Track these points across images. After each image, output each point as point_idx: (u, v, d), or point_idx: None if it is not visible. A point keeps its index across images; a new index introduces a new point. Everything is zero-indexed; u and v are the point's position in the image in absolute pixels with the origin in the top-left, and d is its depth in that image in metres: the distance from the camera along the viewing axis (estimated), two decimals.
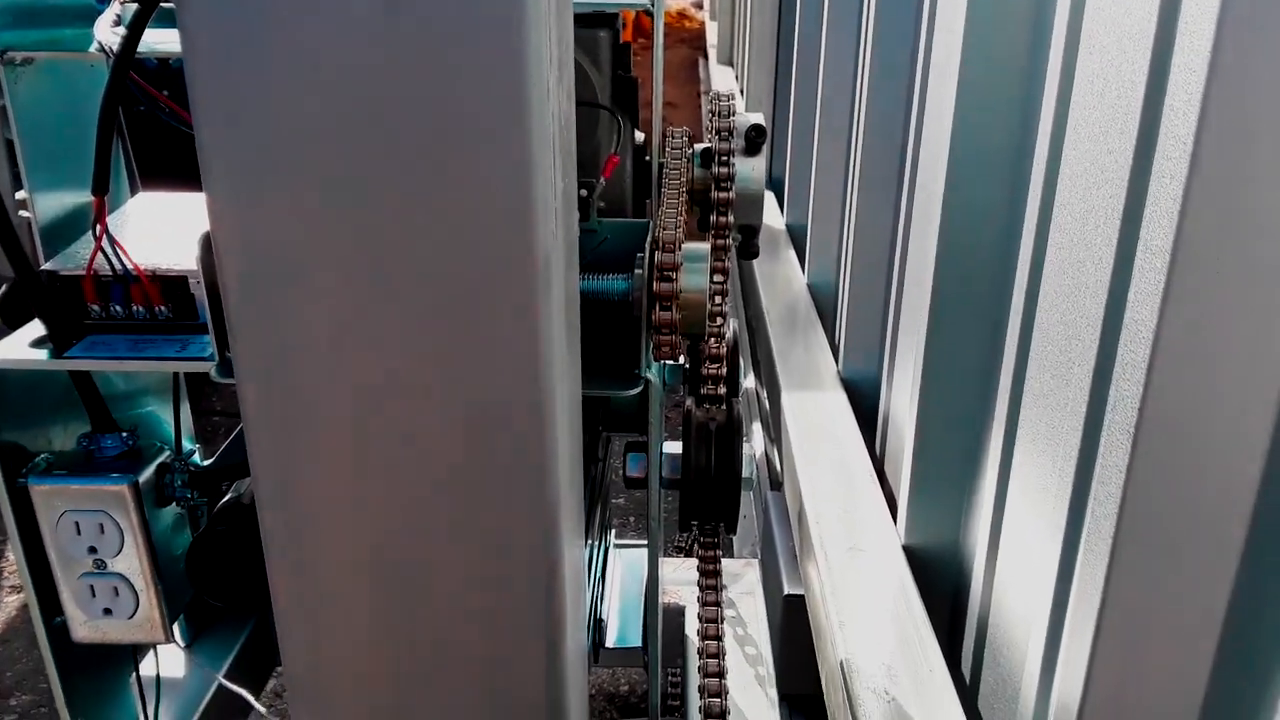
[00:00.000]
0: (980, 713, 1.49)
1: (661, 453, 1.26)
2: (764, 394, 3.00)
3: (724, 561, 1.98)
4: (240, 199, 0.76)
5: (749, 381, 3.80)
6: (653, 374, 1.17)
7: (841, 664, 1.47)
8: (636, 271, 1.10)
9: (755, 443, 3.37)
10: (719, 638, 1.22)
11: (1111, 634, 0.98)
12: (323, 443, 0.85)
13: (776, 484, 2.73)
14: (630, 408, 1.38)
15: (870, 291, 2.31)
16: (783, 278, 3.00)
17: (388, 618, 0.89)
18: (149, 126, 1.56)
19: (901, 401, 2.02)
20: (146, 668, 1.52)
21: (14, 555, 1.30)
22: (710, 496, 1.27)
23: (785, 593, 2.13)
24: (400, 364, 0.81)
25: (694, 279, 1.09)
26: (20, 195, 1.32)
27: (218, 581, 1.33)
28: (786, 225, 3.37)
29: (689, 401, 1.30)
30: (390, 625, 0.89)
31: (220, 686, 1.63)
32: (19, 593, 2.71)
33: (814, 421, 2.18)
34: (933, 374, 1.72)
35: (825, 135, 2.74)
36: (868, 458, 2.04)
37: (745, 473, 1.29)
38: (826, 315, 2.69)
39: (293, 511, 0.87)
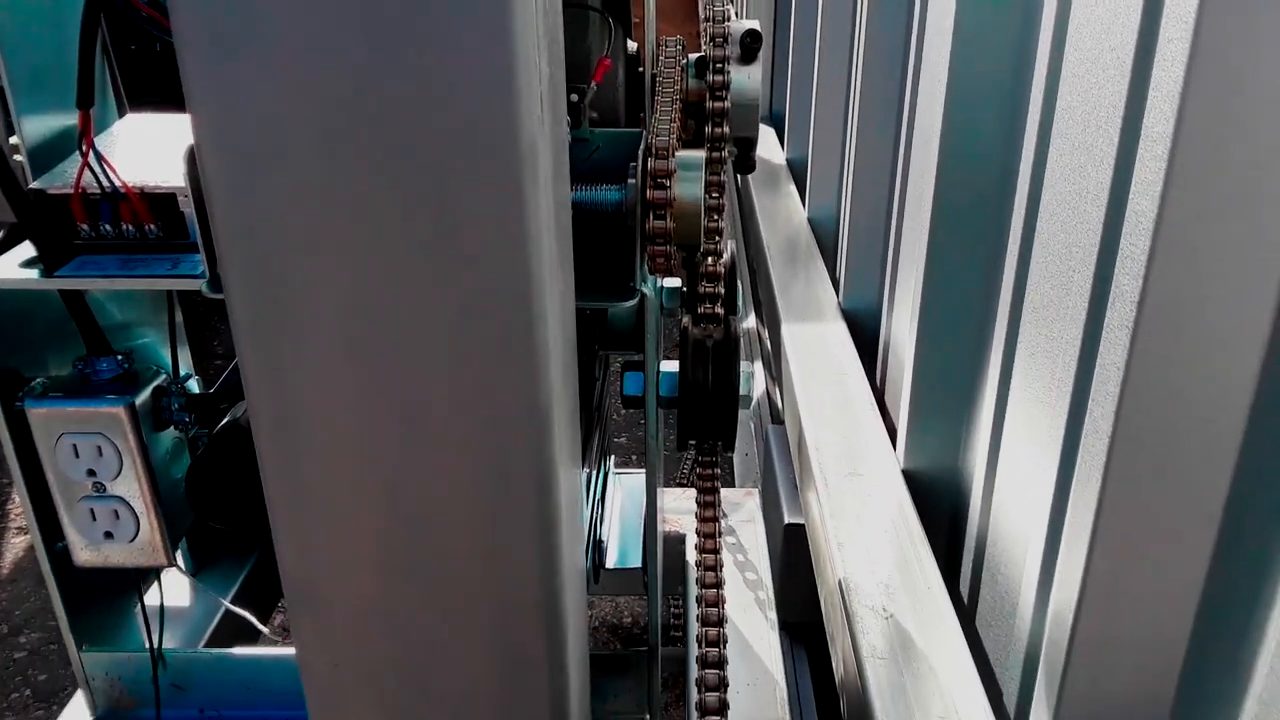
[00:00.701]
0: (978, 630, 1.50)
1: (659, 369, 1.25)
2: (765, 330, 3.00)
3: (724, 491, 1.98)
4: (222, 106, 0.74)
5: (749, 322, 3.79)
6: (648, 287, 1.16)
7: (840, 583, 1.48)
8: (630, 181, 1.09)
9: (756, 378, 3.36)
10: (716, 541, 1.23)
11: (1108, 539, 0.98)
12: (312, 353, 0.84)
13: (777, 418, 2.73)
14: (627, 326, 1.37)
15: (871, 222, 2.29)
16: (783, 212, 2.97)
17: (382, 529, 0.88)
18: (136, 50, 1.53)
19: (901, 330, 2.02)
20: (152, 596, 1.53)
21: (14, 482, 1.31)
22: (708, 413, 1.26)
23: (786, 522, 2.14)
24: (387, 269, 0.80)
25: (688, 187, 1.08)
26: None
27: (218, 504, 1.33)
28: (787, 160, 3.33)
29: (686, 319, 1.29)
30: (385, 536, 0.89)
31: (227, 613, 1.65)
32: (25, 533, 2.74)
33: (815, 352, 2.17)
34: (932, 300, 1.71)
35: (825, 67, 2.70)
36: (868, 386, 2.03)
37: (743, 391, 1.28)
38: (827, 248, 2.67)
39: (284, 423, 0.87)
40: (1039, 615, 1.27)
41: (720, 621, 1.13)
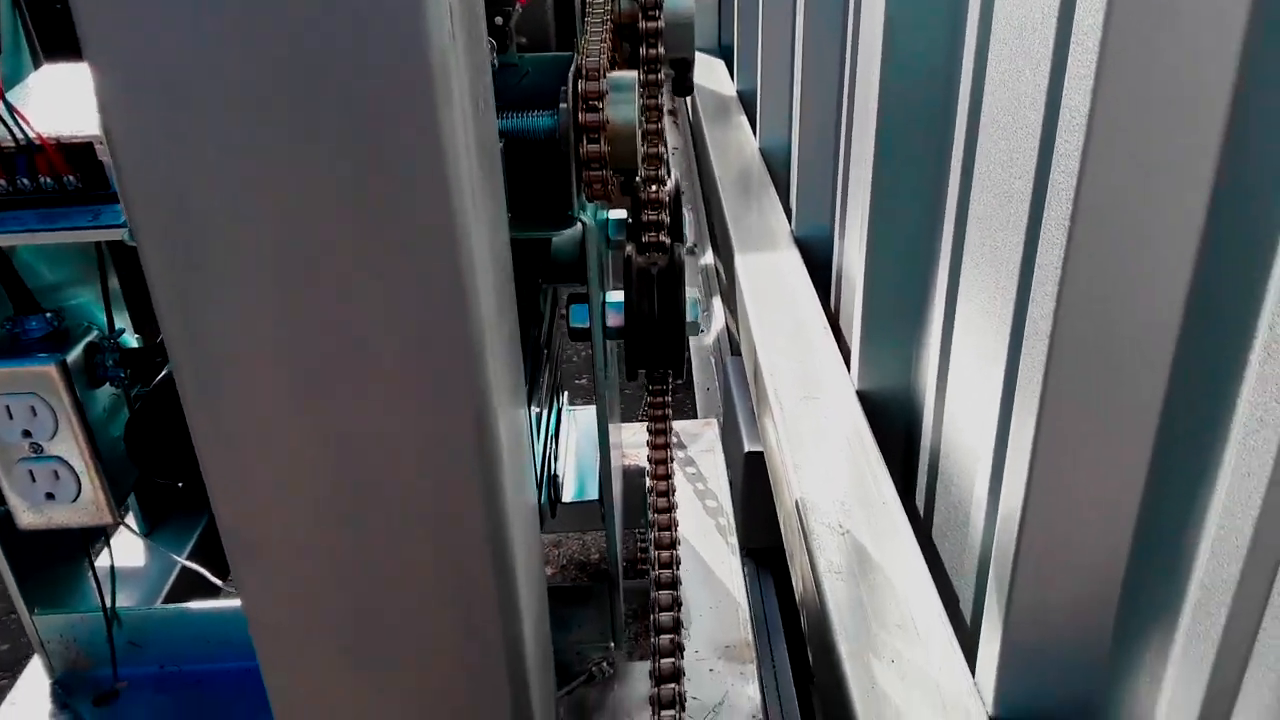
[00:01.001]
0: (934, 542, 1.52)
1: (604, 299, 1.23)
2: (719, 261, 2.98)
3: (683, 422, 1.98)
4: (116, 42, 0.71)
5: (706, 258, 3.78)
6: (587, 216, 1.14)
7: (797, 503, 1.49)
8: (562, 105, 1.06)
9: (716, 312, 3.36)
10: (667, 465, 1.22)
11: (1050, 442, 0.99)
12: (231, 296, 0.80)
13: (735, 350, 2.73)
14: (571, 258, 1.35)
15: (820, 150, 2.27)
16: (735, 144, 2.94)
17: (317, 473, 0.86)
18: (50, 1, 1.47)
19: (852, 255, 2.01)
20: (104, 558, 1.51)
21: None
22: (655, 342, 1.25)
23: (745, 450, 2.15)
24: (304, 205, 0.77)
25: (621, 109, 1.05)
26: None
27: (158, 458, 1.31)
28: (737, 92, 3.29)
29: (629, 248, 1.27)
30: (320, 481, 0.86)
31: (183, 571, 1.63)
32: None
33: (768, 280, 2.16)
34: (880, 223, 1.70)
35: None
36: (821, 312, 2.03)
37: (691, 318, 1.27)
38: (779, 178, 2.65)
39: (207, 370, 0.83)
40: (989, 524, 1.29)
41: (673, 544, 1.13)
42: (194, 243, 0.78)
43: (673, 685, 1.00)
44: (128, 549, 1.65)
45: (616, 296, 1.28)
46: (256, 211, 0.76)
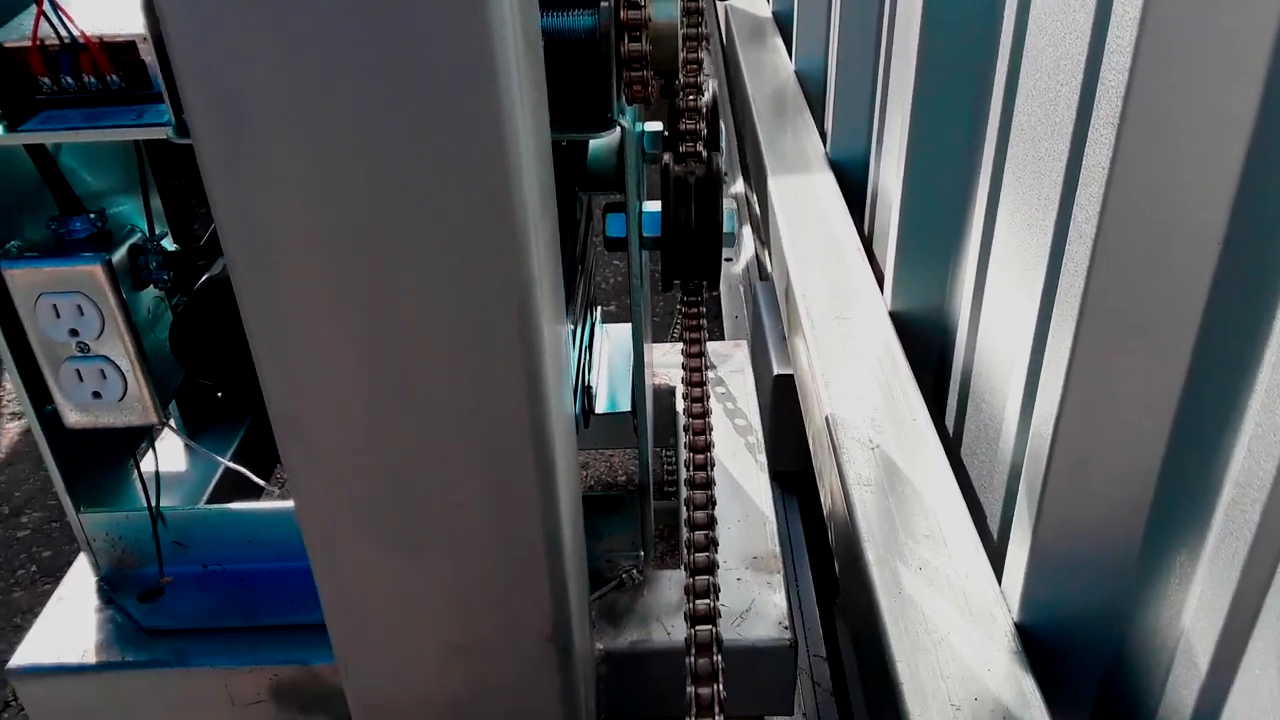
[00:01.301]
0: (963, 461, 1.53)
1: (641, 205, 1.23)
2: (752, 189, 2.96)
3: (713, 344, 1.99)
4: None
5: (736, 187, 3.74)
6: (626, 120, 1.13)
7: (827, 419, 1.50)
8: (603, 4, 1.05)
9: (745, 239, 3.34)
10: (702, 372, 1.23)
11: (1087, 350, 0.99)
12: (283, 189, 0.82)
13: (764, 276, 2.73)
14: (608, 168, 1.35)
15: (858, 72, 2.23)
16: (769, 66, 2.89)
17: (364, 366, 0.88)
18: None
19: (889, 177, 1.99)
20: (149, 460, 1.54)
21: None
22: (692, 251, 1.25)
23: (775, 373, 2.16)
24: (351, 88, 0.77)
25: (664, 6, 1.04)
26: None
27: (203, 358, 1.33)
28: (773, 13, 3.23)
29: (667, 157, 1.26)
30: (368, 374, 0.88)
31: (225, 475, 1.67)
32: (20, 417, 2.75)
33: (802, 202, 2.15)
34: (920, 143, 1.68)
35: None
36: (855, 234, 2.02)
37: (727, 229, 1.27)
38: (814, 100, 2.61)
39: (261, 259, 0.85)
40: (1020, 438, 1.29)
41: (708, 444, 1.15)
42: (247, 138, 0.80)
43: (706, 553, 1.02)
44: (172, 452, 1.69)
45: (652, 207, 1.28)
46: (309, 109, 0.78)
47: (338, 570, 0.98)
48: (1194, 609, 0.90)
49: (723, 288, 3.49)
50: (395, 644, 1.03)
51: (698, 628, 0.98)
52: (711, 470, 1.13)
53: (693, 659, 0.95)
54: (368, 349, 0.88)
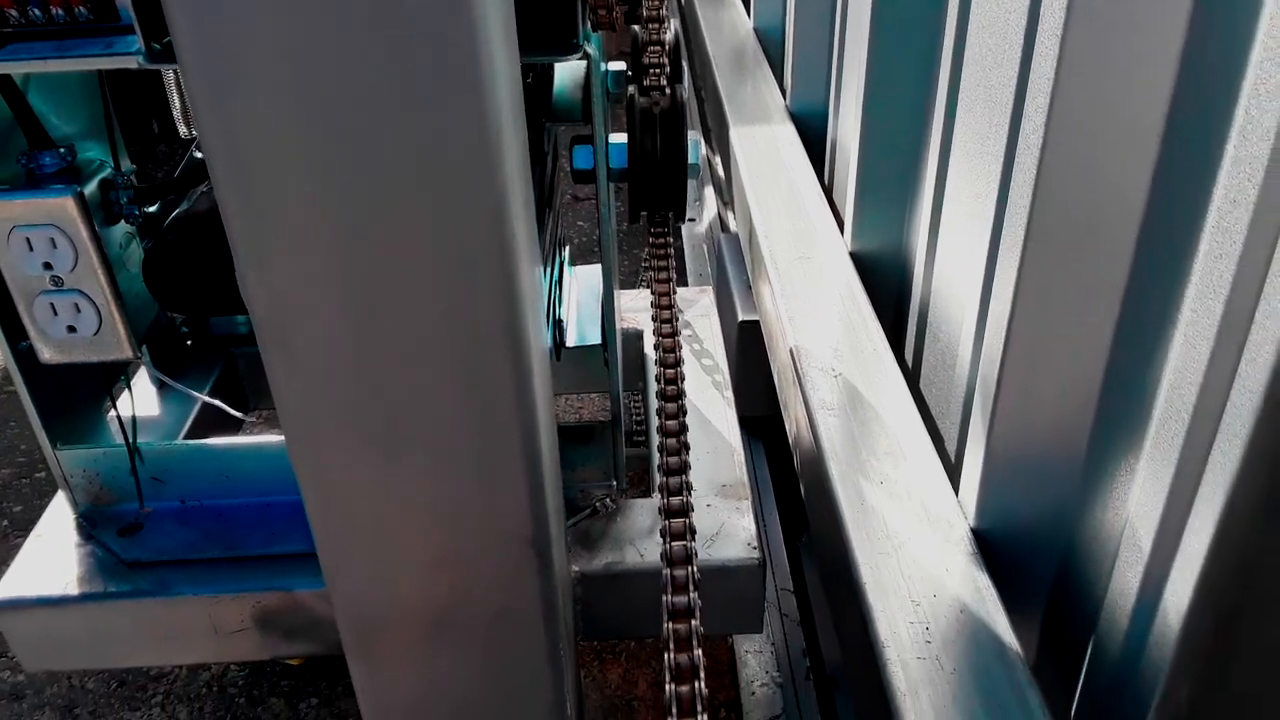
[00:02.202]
0: (922, 392, 1.59)
1: (607, 134, 1.26)
2: (714, 150, 2.99)
3: (679, 290, 2.03)
4: None
5: (702, 150, 3.77)
6: (592, 47, 1.16)
7: (791, 351, 1.55)
8: None
9: (706, 204, 3.38)
10: (670, 296, 1.28)
11: (1034, 268, 1.04)
12: (263, 95, 0.84)
13: (726, 228, 2.77)
14: (573, 101, 1.38)
15: (815, 26, 2.27)
16: (728, 24, 2.93)
17: (346, 276, 0.90)
18: None
19: (848, 127, 2.03)
20: (124, 403, 1.55)
21: None
22: (659, 182, 1.28)
23: (739, 319, 2.21)
24: (338, 22, 0.80)
25: None
26: None
27: (177, 289, 1.35)
28: None
29: (632, 89, 1.30)
30: (349, 285, 0.90)
31: (198, 417, 1.68)
32: None
33: (763, 150, 2.19)
34: (876, 92, 1.73)
35: None
36: (816, 182, 2.07)
37: (692, 160, 1.31)
38: (773, 55, 2.65)
39: (243, 173, 0.87)
40: (974, 363, 1.35)
41: (678, 361, 1.19)
42: (230, 54, 0.82)
43: (680, 477, 1.06)
44: (146, 395, 1.71)
45: (618, 139, 1.31)
46: (290, 31, 0.80)
47: (322, 477, 1.01)
48: (1137, 497, 0.96)
49: (686, 247, 3.53)
50: (380, 553, 1.06)
51: (670, 498, 1.02)
52: (683, 383, 1.18)
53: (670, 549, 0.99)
54: (349, 261, 0.90)
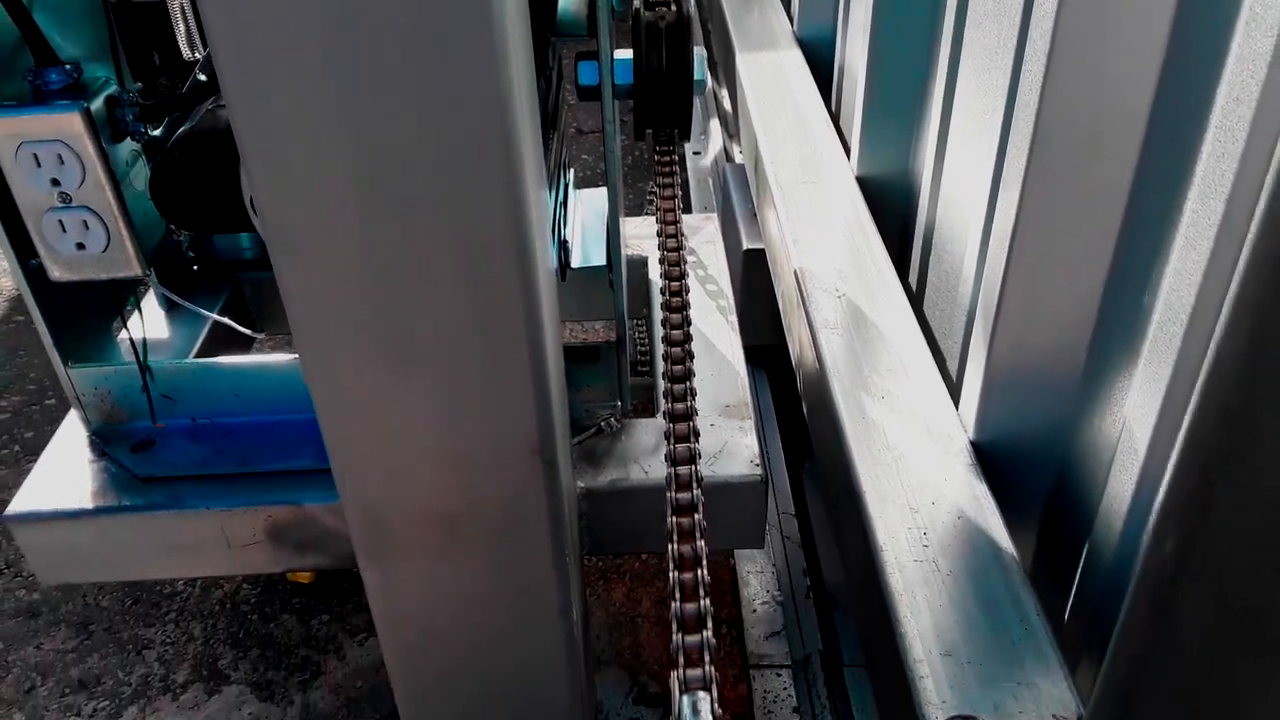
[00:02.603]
0: (925, 314, 1.60)
1: (612, 49, 1.26)
2: (720, 82, 2.96)
3: (684, 216, 2.03)
4: None
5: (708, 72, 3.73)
6: None
7: (796, 272, 1.55)
8: None
9: (712, 136, 3.36)
10: (676, 212, 1.28)
11: (1038, 180, 1.04)
12: (282, 26, 0.84)
13: (732, 160, 2.76)
14: (579, 17, 1.37)
15: None
16: None
17: (349, 162, 0.90)
18: None
19: (855, 51, 2.02)
20: (134, 323, 1.57)
21: None
22: (664, 98, 1.28)
23: (745, 248, 2.21)
24: None
25: None
26: None
27: (183, 205, 1.35)
28: None
29: (637, 3, 1.29)
30: (354, 171, 0.90)
31: (209, 336, 1.70)
32: None
33: (770, 77, 2.17)
34: (885, 16, 1.71)
35: None
36: (823, 108, 2.06)
37: (698, 76, 1.30)
38: None
39: (252, 73, 0.87)
40: (977, 284, 1.36)
41: (683, 273, 1.20)
42: None
43: (684, 384, 1.08)
44: (154, 318, 1.72)
45: (624, 54, 1.30)
46: None
47: (333, 386, 1.03)
48: (1134, 400, 0.98)
49: (692, 180, 3.51)
50: (391, 461, 1.08)
51: (675, 404, 1.04)
52: (687, 294, 1.19)
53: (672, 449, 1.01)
54: (357, 172, 0.91)
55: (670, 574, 0.88)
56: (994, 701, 0.92)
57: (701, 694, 0.66)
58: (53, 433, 1.56)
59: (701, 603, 0.83)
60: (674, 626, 0.80)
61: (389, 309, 0.98)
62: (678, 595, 0.84)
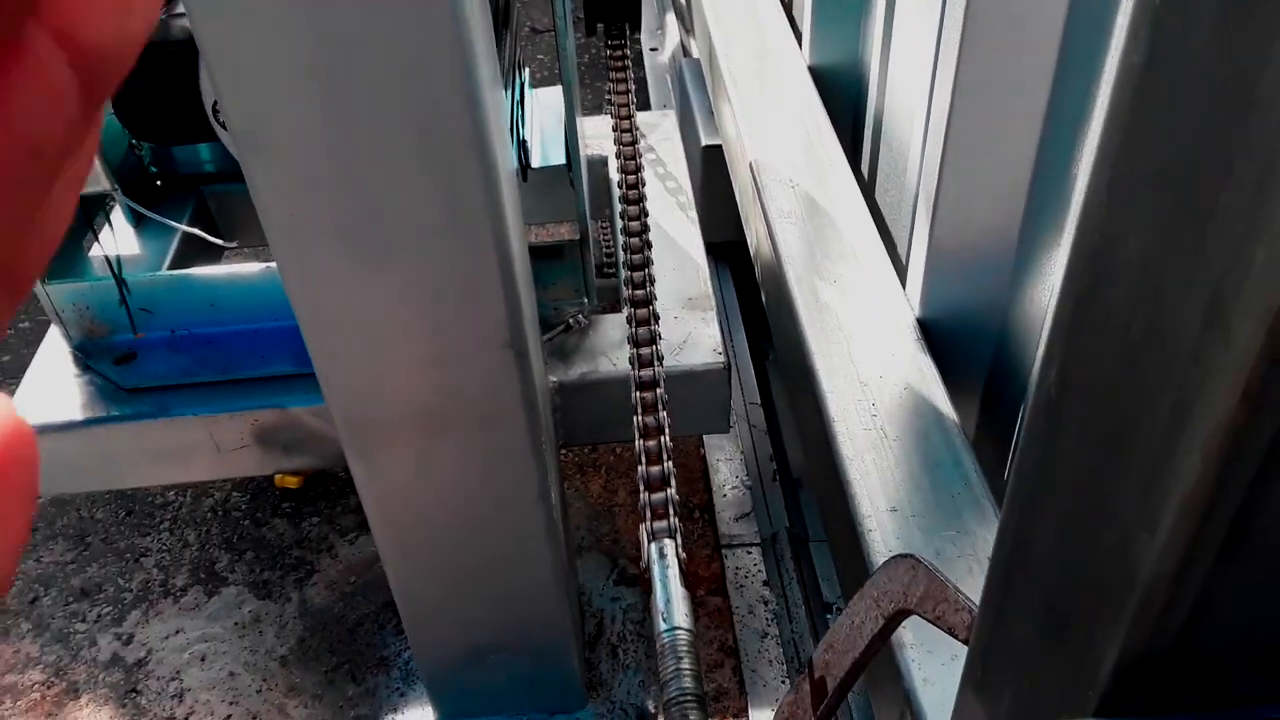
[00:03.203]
0: (877, 201, 1.66)
1: None
2: None
3: (640, 114, 2.05)
4: None
5: None
6: None
7: (751, 165, 1.60)
8: None
9: (669, 32, 3.34)
10: (629, 106, 1.32)
11: (970, 65, 1.09)
12: None
13: (689, 54, 2.76)
14: None
15: None
16: None
17: (311, 66, 0.93)
18: None
19: None
20: (105, 238, 1.59)
21: None
22: None
23: (703, 144, 2.24)
24: None
25: None
26: None
27: (145, 116, 1.37)
28: None
29: None
30: (314, 76, 0.93)
31: (179, 249, 1.73)
32: None
33: None
34: None
35: None
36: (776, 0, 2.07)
37: None
38: None
39: (221, 9, 0.89)
40: (922, 168, 1.41)
41: (639, 168, 1.25)
42: None
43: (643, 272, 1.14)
44: (124, 233, 1.74)
45: None
46: None
47: (308, 287, 1.08)
48: (1061, 271, 1.05)
49: (649, 78, 3.50)
50: (371, 358, 1.14)
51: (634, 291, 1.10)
52: (643, 188, 1.24)
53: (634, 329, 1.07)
54: (316, 71, 0.94)
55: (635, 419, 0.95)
56: (935, 548, 1.01)
57: (668, 540, 0.74)
58: (26, 356, 1.60)
59: (665, 465, 0.91)
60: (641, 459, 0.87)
61: (357, 210, 1.02)
62: (641, 435, 0.92)
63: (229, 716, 1.73)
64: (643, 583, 1.96)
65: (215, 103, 1.28)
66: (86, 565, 1.98)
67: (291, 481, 2.02)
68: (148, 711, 1.76)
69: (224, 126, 1.31)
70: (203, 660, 1.81)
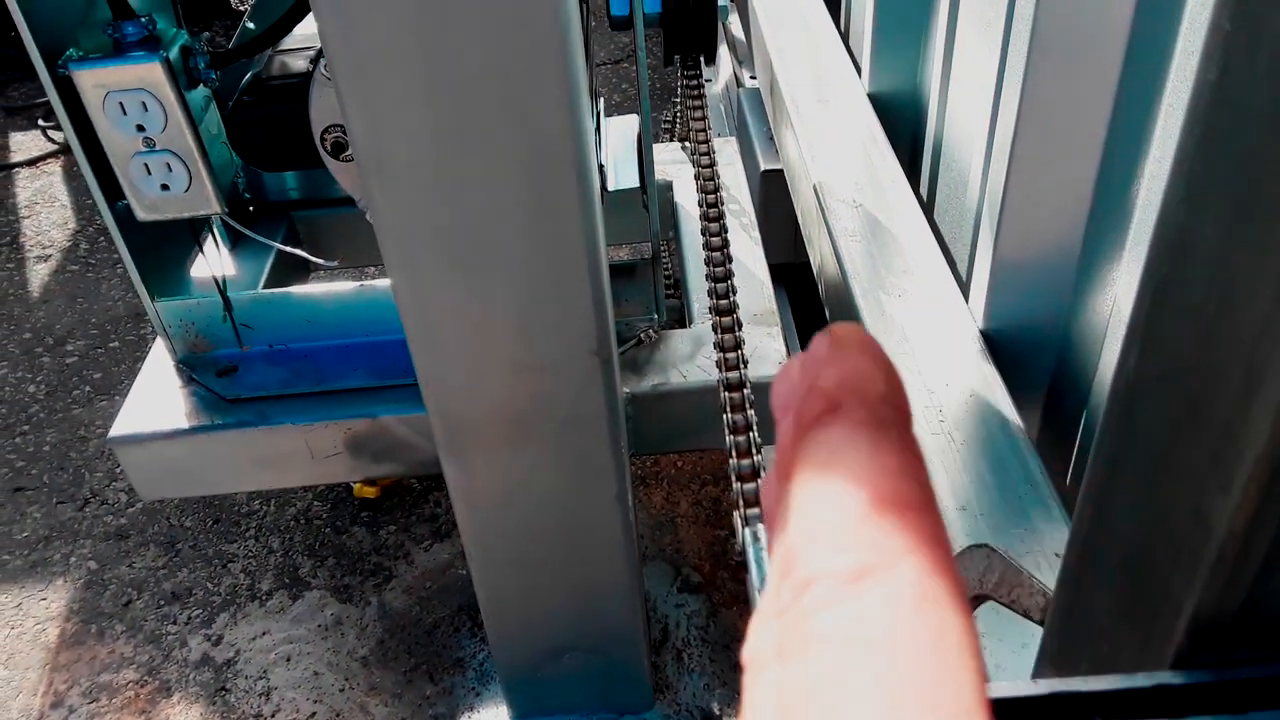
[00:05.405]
0: (936, 223, 1.72)
1: None
2: (733, 10, 3.04)
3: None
4: None
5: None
6: None
7: (815, 187, 1.67)
8: None
9: (721, 66, 3.43)
10: (706, 130, 1.40)
11: (1035, 88, 1.16)
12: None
13: (743, 85, 2.85)
14: None
15: None
16: None
17: (430, 97, 1.02)
18: None
19: None
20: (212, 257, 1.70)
21: (72, 148, 1.44)
22: (690, 26, 1.40)
23: (762, 169, 2.32)
24: None
25: None
26: None
27: (258, 145, 1.48)
28: None
29: None
30: (435, 115, 1.03)
31: (270, 271, 1.83)
32: (45, 260, 2.89)
33: (781, 3, 2.26)
34: None
35: None
36: (834, 29, 2.15)
37: (721, 2, 1.41)
38: None
39: (351, 30, 0.99)
40: (982, 189, 1.48)
41: (717, 186, 1.32)
42: None
43: (727, 299, 1.21)
44: (221, 253, 1.86)
45: None
46: None
47: (418, 298, 1.17)
48: (1123, 279, 1.11)
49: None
50: (469, 365, 1.23)
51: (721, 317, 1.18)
52: (724, 206, 1.31)
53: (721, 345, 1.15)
54: (435, 96, 1.03)
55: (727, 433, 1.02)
56: (1004, 545, 1.07)
57: (761, 525, 0.81)
58: (120, 373, 1.71)
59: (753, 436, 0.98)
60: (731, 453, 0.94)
61: (465, 226, 1.11)
62: (731, 431, 0.98)
63: (314, 714, 1.81)
64: (706, 589, 2.02)
65: (324, 131, 1.38)
66: (177, 570, 2.09)
67: (369, 492, 2.11)
68: (236, 709, 1.85)
69: (331, 154, 1.41)
70: (288, 661, 1.90)
